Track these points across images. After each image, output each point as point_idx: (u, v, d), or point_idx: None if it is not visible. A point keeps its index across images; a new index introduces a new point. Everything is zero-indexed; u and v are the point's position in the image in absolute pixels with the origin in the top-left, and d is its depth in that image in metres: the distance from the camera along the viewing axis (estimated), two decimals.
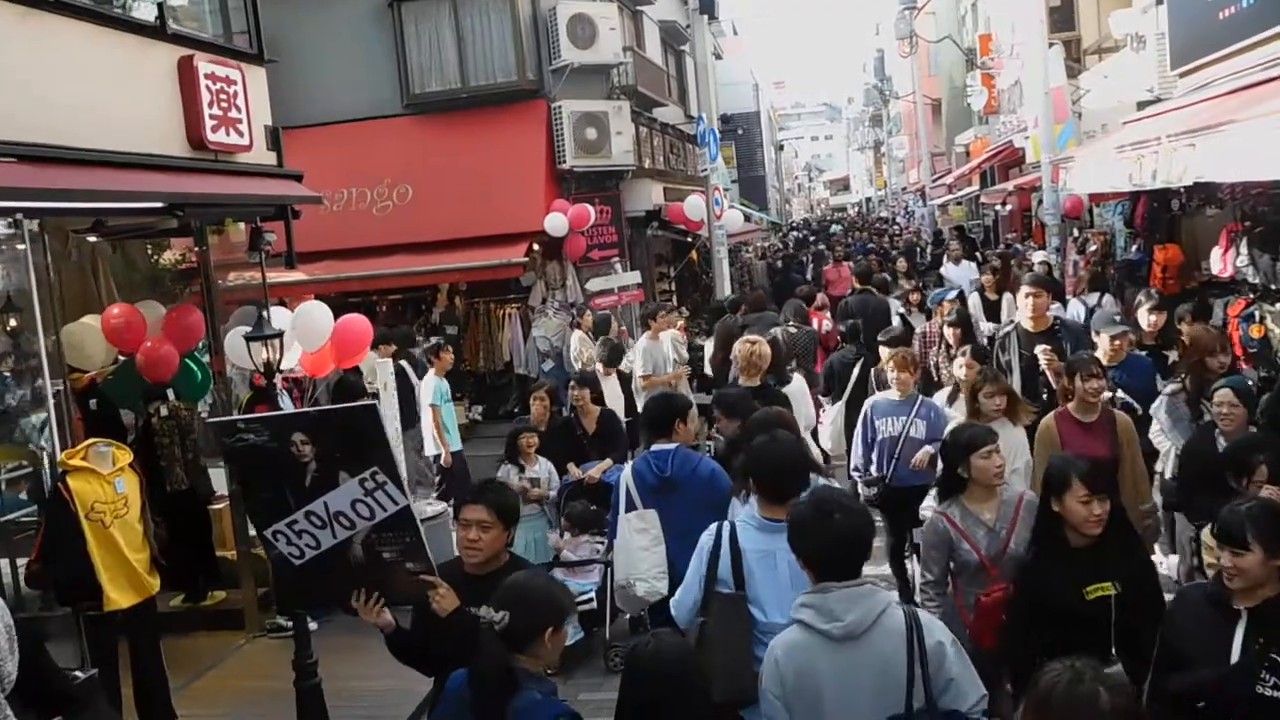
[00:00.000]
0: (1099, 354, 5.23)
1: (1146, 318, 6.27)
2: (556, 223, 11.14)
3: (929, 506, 4.07)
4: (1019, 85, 18.56)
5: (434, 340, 9.78)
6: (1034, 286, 6.00)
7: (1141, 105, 11.81)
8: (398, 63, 11.80)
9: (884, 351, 6.15)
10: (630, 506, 4.07)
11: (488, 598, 2.44)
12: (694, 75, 11.43)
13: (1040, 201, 15.69)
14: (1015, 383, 5.49)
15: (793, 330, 7.76)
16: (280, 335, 4.61)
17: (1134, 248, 10.96)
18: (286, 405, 6.01)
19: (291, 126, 12.52)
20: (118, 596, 4.50)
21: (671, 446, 4.07)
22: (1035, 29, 13.29)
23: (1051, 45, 13.65)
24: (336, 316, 6.16)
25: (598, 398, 6.23)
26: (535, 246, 11.45)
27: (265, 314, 4.86)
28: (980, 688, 2.46)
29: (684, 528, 3.66)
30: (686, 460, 4.04)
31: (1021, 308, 6.04)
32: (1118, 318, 8.20)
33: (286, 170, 6.40)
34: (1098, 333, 5.64)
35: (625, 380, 7.84)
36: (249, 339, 4.43)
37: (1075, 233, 13.65)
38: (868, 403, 5.55)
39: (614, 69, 12.16)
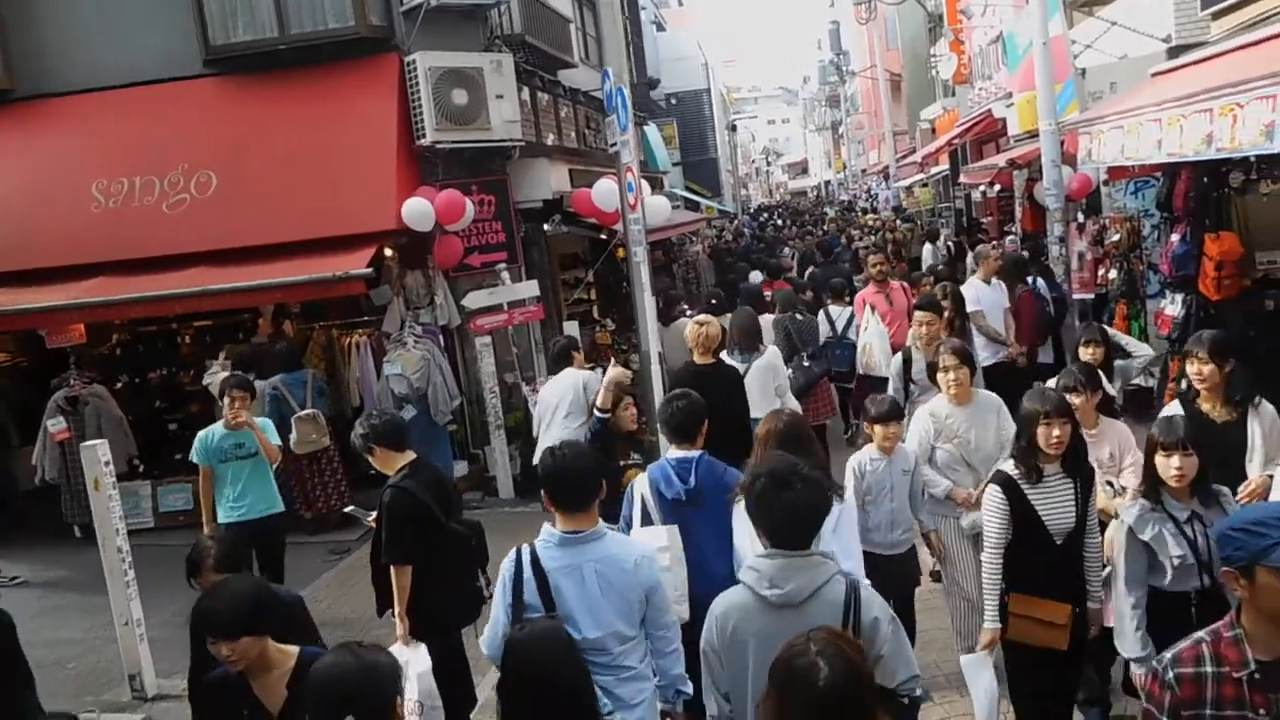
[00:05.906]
0: None
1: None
2: (417, 212, 8.22)
3: None
4: (999, 44, 16.18)
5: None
6: None
7: (1175, 52, 9.30)
8: (192, 2, 8.69)
9: None
10: (646, 521, 3.67)
11: None
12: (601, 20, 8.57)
13: (1029, 179, 13.42)
14: None
15: (799, 318, 7.95)
16: None
17: (1175, 237, 8.37)
18: None
19: (45, 94, 9.39)
20: None
21: (695, 453, 3.73)
22: None
23: None
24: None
25: None
26: (389, 252, 8.55)
27: None
28: (912, 668, 2.54)
29: (713, 543, 3.53)
30: (712, 468, 3.71)
31: None
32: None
33: None
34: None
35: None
36: None
37: (1079, 217, 11.23)
38: None
39: (491, 10, 9.20)
